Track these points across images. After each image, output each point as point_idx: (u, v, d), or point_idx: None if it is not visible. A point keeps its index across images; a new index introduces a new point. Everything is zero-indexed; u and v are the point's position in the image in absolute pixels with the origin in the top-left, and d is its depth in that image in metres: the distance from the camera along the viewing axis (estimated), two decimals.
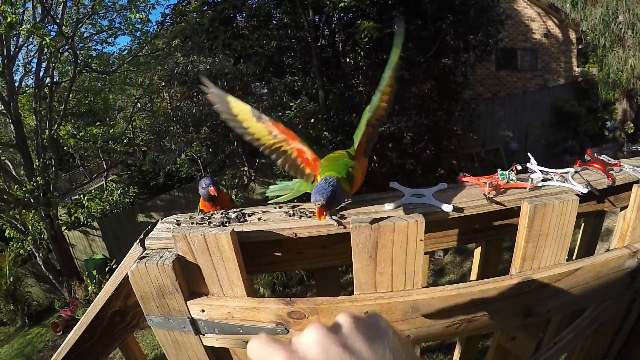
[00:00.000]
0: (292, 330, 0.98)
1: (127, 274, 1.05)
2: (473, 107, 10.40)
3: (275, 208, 1.16)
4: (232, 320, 1.00)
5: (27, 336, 9.38)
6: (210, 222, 1.09)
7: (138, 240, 1.08)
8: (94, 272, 9.63)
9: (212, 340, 1.07)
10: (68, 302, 9.43)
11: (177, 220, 1.15)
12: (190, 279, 1.02)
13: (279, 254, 1.12)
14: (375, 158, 8.44)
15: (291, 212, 1.11)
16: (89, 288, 9.26)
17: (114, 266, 9.90)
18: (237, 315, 1.00)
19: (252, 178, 8.51)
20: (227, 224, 1.05)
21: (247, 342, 0.99)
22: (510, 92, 13.76)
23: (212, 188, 1.60)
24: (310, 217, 1.07)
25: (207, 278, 1.01)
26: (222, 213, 1.15)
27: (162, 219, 1.19)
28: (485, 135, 12.50)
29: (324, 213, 0.99)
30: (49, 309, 10.45)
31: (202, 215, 1.16)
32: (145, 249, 1.06)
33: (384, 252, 0.95)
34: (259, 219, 1.09)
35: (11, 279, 10.04)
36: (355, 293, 1.00)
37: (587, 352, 1.53)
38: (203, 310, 1.02)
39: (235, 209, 1.17)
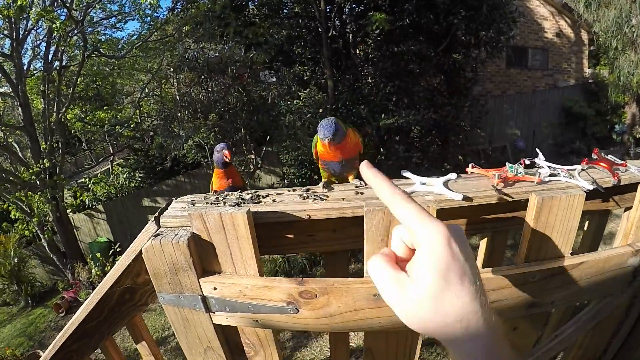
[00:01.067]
0: (303, 309, 1.00)
1: (140, 251, 1.06)
2: (482, 104, 10.36)
3: (289, 191, 1.18)
4: (243, 298, 1.02)
5: (30, 316, 9.46)
6: (225, 203, 1.11)
7: (153, 218, 1.10)
8: (98, 254, 9.71)
9: (222, 318, 1.09)
10: (71, 284, 9.51)
11: (192, 200, 1.17)
12: (204, 257, 1.04)
13: (291, 236, 1.14)
14: (382, 150, 8.45)
15: (305, 195, 1.13)
16: (93, 270, 9.34)
17: (118, 249, 9.97)
18: (248, 293, 1.02)
19: (259, 166, 8.52)
20: (241, 205, 1.07)
21: (256, 321, 1.02)
22: (520, 90, 13.70)
23: (226, 152, 1.63)
24: (323, 200, 1.09)
25: (221, 256, 1.03)
26: (236, 194, 1.17)
27: (176, 199, 1.21)
28: (493, 133, 12.47)
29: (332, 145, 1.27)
30: (52, 290, 10.53)
31: (216, 196, 1.18)
32: (159, 227, 1.08)
33: None
34: (274, 200, 1.11)
35: (15, 259, 10.12)
36: (365, 275, 1.01)
37: (587, 347, 1.55)
38: (215, 288, 1.04)
39: (249, 191, 1.19)
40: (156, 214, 1.11)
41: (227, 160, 1.64)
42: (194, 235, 1.01)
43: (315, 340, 5.81)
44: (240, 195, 1.15)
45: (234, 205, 1.06)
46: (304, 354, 5.69)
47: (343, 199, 1.10)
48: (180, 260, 1.01)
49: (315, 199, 1.09)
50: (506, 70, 13.65)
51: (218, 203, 1.12)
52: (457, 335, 0.56)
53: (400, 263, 0.62)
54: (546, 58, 14.38)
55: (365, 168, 0.67)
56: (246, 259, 1.01)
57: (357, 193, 1.14)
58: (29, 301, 10.06)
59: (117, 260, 9.16)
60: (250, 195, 1.14)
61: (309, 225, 1.08)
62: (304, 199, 1.11)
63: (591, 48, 14.80)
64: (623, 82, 11.61)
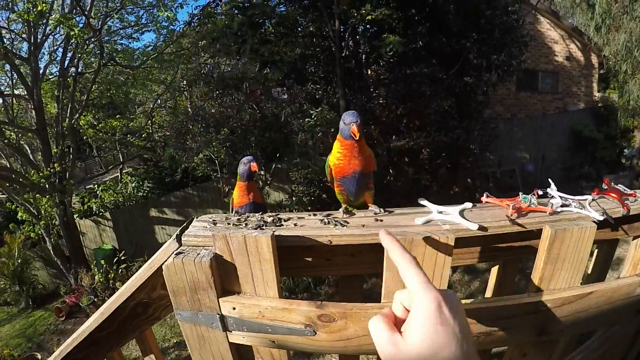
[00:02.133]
0: (320, 332, 1.02)
1: (159, 267, 1.09)
2: (492, 127, 10.38)
3: (309, 215, 1.21)
4: (262, 319, 1.04)
5: (30, 318, 9.50)
6: (246, 224, 1.13)
7: (174, 236, 1.12)
8: (102, 261, 9.74)
9: (239, 337, 1.10)
10: (73, 289, 9.53)
11: (213, 220, 1.19)
12: (225, 277, 1.06)
13: (310, 260, 1.16)
14: (391, 172, 8.47)
15: (326, 220, 1.15)
16: (96, 277, 9.36)
17: (122, 257, 10.00)
18: (268, 315, 1.03)
19: (268, 182, 8.55)
20: (264, 227, 1.09)
21: (273, 342, 1.04)
22: (530, 113, 13.71)
23: (253, 164, 1.66)
24: (344, 226, 1.12)
25: (242, 277, 1.05)
26: (257, 217, 1.20)
27: (197, 218, 1.24)
28: (502, 156, 12.45)
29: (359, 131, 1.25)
30: (54, 294, 10.59)
31: (237, 217, 1.20)
32: (181, 245, 1.11)
33: None
34: (295, 224, 1.13)
35: (19, 260, 10.18)
36: (382, 301, 1.03)
37: None
38: (234, 308, 1.05)
39: (270, 214, 1.22)
40: (177, 232, 1.13)
41: (255, 171, 1.68)
42: (216, 256, 1.04)
43: (317, 359, 5.79)
44: (261, 218, 1.17)
45: (256, 228, 1.08)
46: None
47: (363, 225, 1.12)
48: (202, 279, 1.03)
49: (336, 225, 1.11)
50: (516, 93, 13.70)
51: (240, 224, 1.14)
52: None
53: (399, 325, 0.67)
54: (556, 81, 14.41)
55: (383, 234, 0.78)
56: (267, 281, 1.03)
57: (377, 220, 1.16)
58: (30, 303, 10.11)
59: (122, 268, 9.19)
60: (271, 218, 1.17)
61: (328, 249, 1.10)
62: (325, 224, 1.13)
63: (601, 72, 14.83)
64: (632, 106, 11.63)
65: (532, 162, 12.92)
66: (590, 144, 13.39)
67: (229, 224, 1.16)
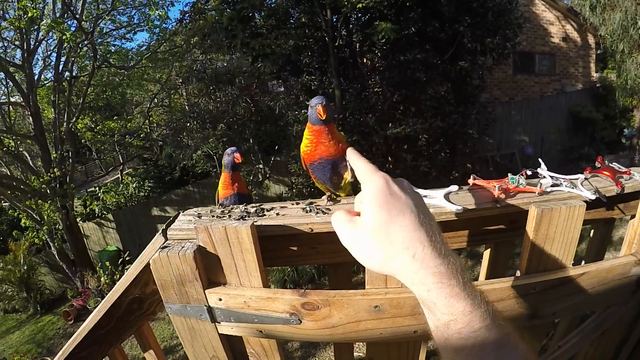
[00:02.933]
0: (305, 320, 1.02)
1: (148, 262, 1.08)
2: (489, 111, 10.34)
3: (292, 204, 1.20)
4: (247, 309, 1.04)
5: (39, 324, 9.52)
6: (230, 216, 1.13)
7: (160, 231, 1.12)
8: (107, 263, 9.78)
9: (227, 328, 1.11)
10: (80, 292, 9.57)
11: (198, 213, 1.20)
12: (210, 268, 1.06)
13: (295, 249, 1.16)
14: (390, 159, 8.45)
15: (308, 208, 1.15)
16: (102, 279, 9.40)
17: (127, 258, 10.02)
18: (252, 304, 1.03)
19: (267, 175, 8.56)
20: (246, 218, 1.09)
21: (260, 331, 1.04)
22: (528, 96, 13.64)
23: (237, 154, 1.67)
24: (326, 213, 1.11)
25: (226, 268, 1.05)
26: (241, 208, 1.19)
27: (183, 212, 1.23)
28: (501, 140, 12.41)
29: (325, 111, 1.23)
30: (61, 298, 10.61)
31: (222, 209, 1.20)
32: (167, 239, 1.11)
33: None
34: (277, 214, 1.13)
35: (25, 267, 10.21)
36: (366, 287, 1.03)
37: (593, 356, 1.53)
38: (220, 299, 1.06)
39: (254, 204, 1.21)
40: (164, 227, 1.13)
41: (238, 162, 1.68)
42: (200, 248, 1.04)
43: (324, 350, 5.80)
44: (245, 209, 1.17)
45: (238, 219, 1.08)
46: None
47: None
48: (187, 271, 1.03)
49: (317, 213, 1.11)
50: (513, 76, 13.62)
51: (223, 216, 1.14)
52: (406, 263, 0.62)
53: None
54: (553, 63, 14.33)
55: (349, 150, 0.80)
56: (250, 270, 1.03)
57: None
58: (38, 308, 10.14)
59: (127, 269, 9.23)
60: (254, 208, 1.17)
61: (312, 237, 1.10)
62: (307, 212, 1.13)
63: (598, 52, 14.75)
64: (630, 85, 11.50)
65: (532, 145, 12.87)
66: (590, 124, 13.32)
67: (213, 216, 1.16)
